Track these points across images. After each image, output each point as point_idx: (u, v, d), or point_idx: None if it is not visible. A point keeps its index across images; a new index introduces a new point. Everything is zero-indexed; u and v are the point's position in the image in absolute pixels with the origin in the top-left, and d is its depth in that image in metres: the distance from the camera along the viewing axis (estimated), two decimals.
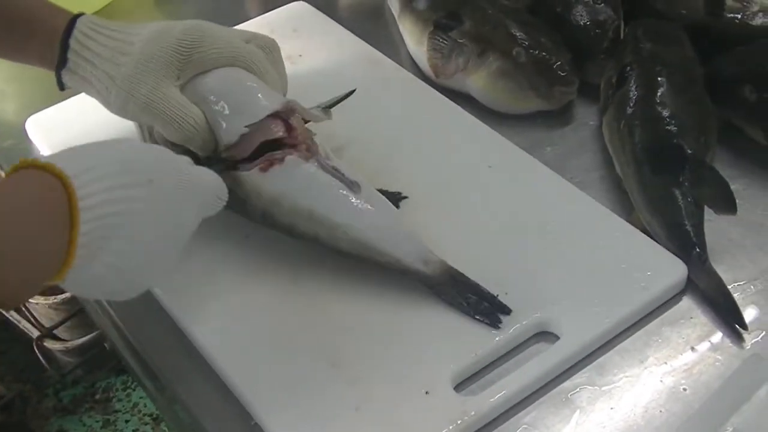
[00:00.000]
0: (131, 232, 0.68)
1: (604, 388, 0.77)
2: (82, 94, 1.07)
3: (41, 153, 1.04)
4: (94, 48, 0.86)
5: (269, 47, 0.93)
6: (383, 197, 0.86)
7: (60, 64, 0.87)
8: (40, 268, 0.64)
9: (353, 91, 0.92)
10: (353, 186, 0.84)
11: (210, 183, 0.78)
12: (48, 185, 0.64)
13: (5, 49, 0.91)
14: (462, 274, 0.82)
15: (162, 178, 0.71)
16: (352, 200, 0.83)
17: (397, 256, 0.82)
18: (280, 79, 0.93)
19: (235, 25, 1.15)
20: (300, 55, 1.09)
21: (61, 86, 0.89)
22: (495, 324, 0.80)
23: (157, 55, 0.86)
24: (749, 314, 0.81)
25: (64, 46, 0.86)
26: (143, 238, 0.70)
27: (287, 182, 0.84)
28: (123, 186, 0.67)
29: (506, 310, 0.80)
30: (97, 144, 0.71)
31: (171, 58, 0.86)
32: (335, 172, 0.84)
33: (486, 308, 0.81)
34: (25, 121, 1.07)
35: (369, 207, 0.84)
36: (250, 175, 0.85)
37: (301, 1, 1.21)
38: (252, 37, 0.92)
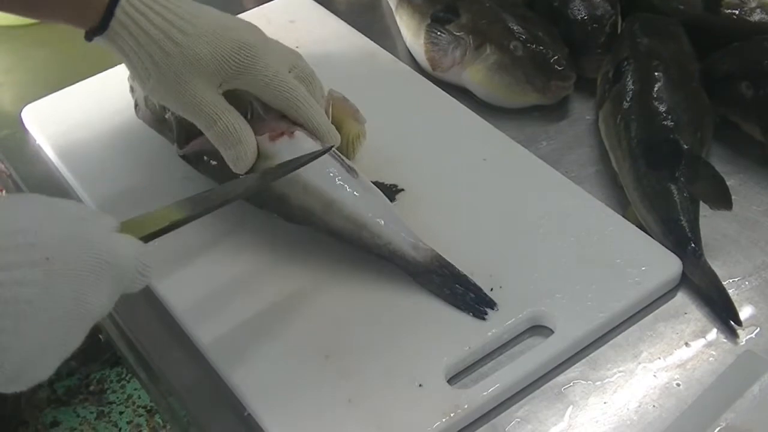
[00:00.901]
0: (15, 323, 0.58)
1: (597, 383, 0.77)
2: (79, 84, 1.08)
3: (37, 142, 1.04)
4: (142, 24, 0.80)
5: (309, 79, 0.89)
6: (378, 189, 0.86)
7: (98, 28, 0.81)
8: None
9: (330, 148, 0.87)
10: (351, 171, 0.85)
11: (129, 257, 0.65)
12: None
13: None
14: (450, 264, 0.82)
15: (63, 257, 0.60)
16: (350, 181, 0.84)
17: (388, 238, 0.82)
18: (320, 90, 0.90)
19: None
20: (296, 47, 1.07)
21: (89, 39, 0.83)
22: (480, 316, 0.80)
23: (208, 59, 0.82)
24: (743, 310, 0.81)
25: (109, 12, 0.80)
26: (32, 330, 0.59)
27: (291, 153, 0.84)
28: (8, 266, 0.57)
29: (492, 305, 0.80)
30: None
31: (220, 68, 0.82)
32: (335, 155, 0.85)
33: (471, 299, 0.81)
34: (21, 111, 1.07)
35: (365, 189, 0.84)
36: (260, 140, 0.85)
37: None
38: (294, 65, 0.88)
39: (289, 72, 0.87)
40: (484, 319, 0.80)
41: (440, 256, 0.83)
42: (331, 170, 0.84)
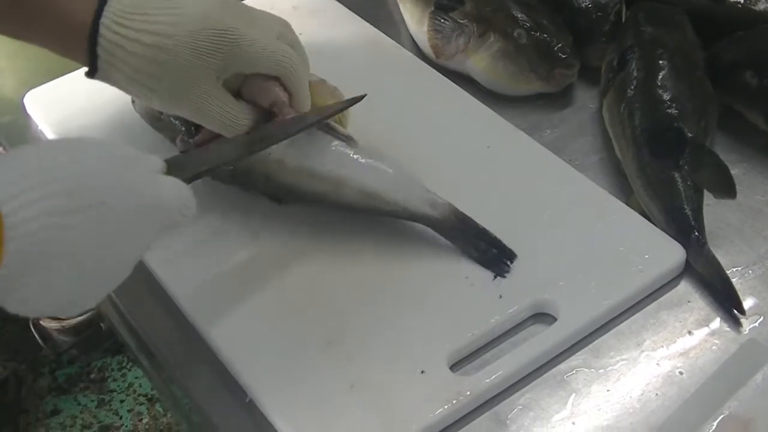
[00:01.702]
0: (66, 262, 0.62)
1: (600, 371, 0.77)
2: (81, 70, 1.07)
3: (39, 128, 1.04)
4: (123, 57, 0.79)
5: (296, 45, 0.88)
6: (380, 149, 0.86)
7: (90, 71, 0.81)
8: None
9: (363, 97, 0.90)
10: (350, 141, 0.85)
11: (173, 198, 0.71)
12: None
13: (18, 28, 0.83)
14: (468, 217, 0.84)
15: (112, 199, 0.65)
16: (353, 153, 0.85)
17: (403, 203, 0.83)
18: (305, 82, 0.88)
19: None
20: (300, 34, 1.07)
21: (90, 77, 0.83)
22: (502, 273, 0.81)
23: (195, 62, 0.80)
24: (747, 299, 0.81)
25: (92, 54, 0.79)
26: (81, 268, 0.64)
27: (291, 144, 0.84)
28: (61, 211, 0.61)
29: (513, 256, 0.82)
30: (43, 153, 0.64)
31: (208, 63, 0.80)
32: (329, 129, 0.86)
33: (494, 256, 0.82)
34: (23, 97, 1.07)
35: (369, 158, 0.85)
36: None
37: None
38: (281, 33, 0.87)
39: (278, 39, 0.85)
40: (505, 276, 0.81)
41: (458, 210, 0.84)
42: (331, 148, 0.85)
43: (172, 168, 0.72)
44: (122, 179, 0.66)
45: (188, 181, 0.73)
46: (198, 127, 0.87)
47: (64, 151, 0.65)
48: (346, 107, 0.88)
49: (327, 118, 0.86)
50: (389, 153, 0.87)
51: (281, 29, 0.87)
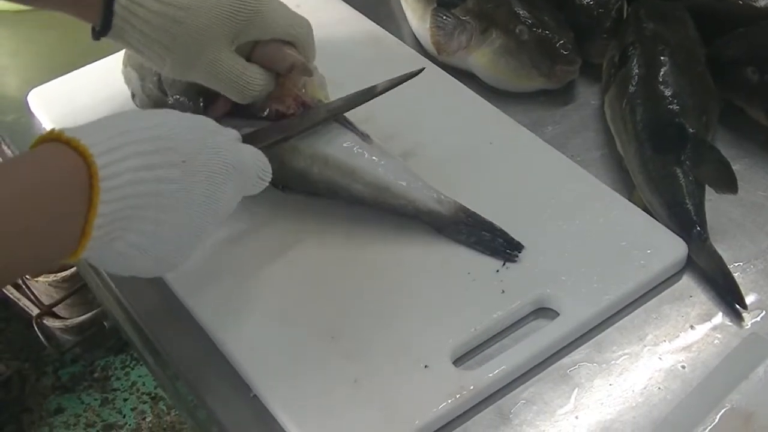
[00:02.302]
0: (158, 215, 0.67)
1: (602, 365, 0.77)
2: (85, 68, 1.08)
3: (43, 127, 1.04)
4: (142, 15, 0.81)
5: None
6: (392, 153, 0.88)
7: (103, 29, 0.82)
8: (55, 247, 0.63)
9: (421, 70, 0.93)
10: (365, 137, 0.87)
11: (252, 163, 0.76)
12: (71, 162, 0.62)
13: None
14: (475, 213, 0.85)
15: (197, 159, 0.69)
16: (367, 147, 0.86)
17: (412, 197, 0.84)
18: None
19: None
20: None
21: (96, 38, 0.85)
22: (511, 259, 0.82)
23: (215, 24, 0.82)
24: (749, 294, 0.81)
25: (108, 11, 0.81)
26: (171, 221, 0.68)
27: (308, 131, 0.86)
28: (152, 167, 0.65)
29: (520, 247, 0.83)
30: (132, 116, 0.69)
31: (227, 27, 0.83)
32: (347, 123, 0.88)
33: (500, 245, 0.83)
34: (27, 95, 1.07)
35: (381, 153, 0.87)
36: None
37: None
38: (297, 5, 0.91)
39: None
40: (515, 261, 0.82)
41: (464, 206, 0.85)
42: (347, 141, 0.87)
43: (246, 140, 0.78)
44: (207, 142, 0.71)
45: (263, 150, 0.79)
46: (206, 105, 0.88)
47: (153, 117, 0.70)
48: (405, 80, 0.92)
49: (392, 88, 0.91)
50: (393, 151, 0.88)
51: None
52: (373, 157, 0.86)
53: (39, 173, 0.62)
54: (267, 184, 0.78)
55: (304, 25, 0.88)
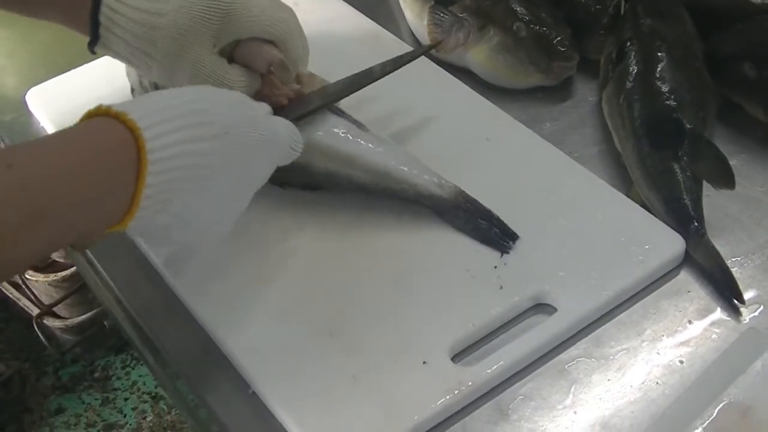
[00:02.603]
0: (200, 185, 0.68)
1: (601, 361, 0.77)
2: (83, 67, 1.08)
3: (42, 126, 1.04)
4: (123, 24, 0.83)
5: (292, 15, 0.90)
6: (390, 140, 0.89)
7: (92, 40, 0.84)
8: (103, 217, 0.65)
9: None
10: (361, 126, 0.88)
11: (285, 135, 0.78)
12: (119, 135, 0.64)
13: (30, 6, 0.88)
14: (474, 200, 0.85)
15: (236, 131, 0.71)
16: (363, 135, 0.87)
17: (413, 181, 0.85)
18: (304, 48, 0.91)
19: None
20: None
21: (93, 52, 0.87)
22: (505, 250, 0.83)
23: (191, 27, 0.83)
24: (746, 289, 0.82)
25: (95, 21, 0.83)
26: (212, 191, 0.70)
27: (304, 124, 0.86)
28: (195, 139, 0.67)
29: (515, 237, 0.83)
30: (173, 92, 0.70)
31: (204, 28, 0.83)
32: (342, 113, 0.89)
33: (495, 234, 0.84)
34: (25, 94, 1.07)
35: (379, 140, 0.87)
36: None
37: None
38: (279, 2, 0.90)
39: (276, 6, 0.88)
40: (508, 252, 0.82)
41: (464, 191, 0.85)
42: (344, 129, 0.87)
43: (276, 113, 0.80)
44: (244, 115, 0.74)
45: (294, 121, 0.81)
46: None
47: (194, 92, 0.72)
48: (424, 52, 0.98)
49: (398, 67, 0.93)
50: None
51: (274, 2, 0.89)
52: (371, 144, 0.87)
53: (89, 146, 0.64)
54: (298, 154, 0.80)
55: (286, 21, 0.87)
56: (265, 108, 0.78)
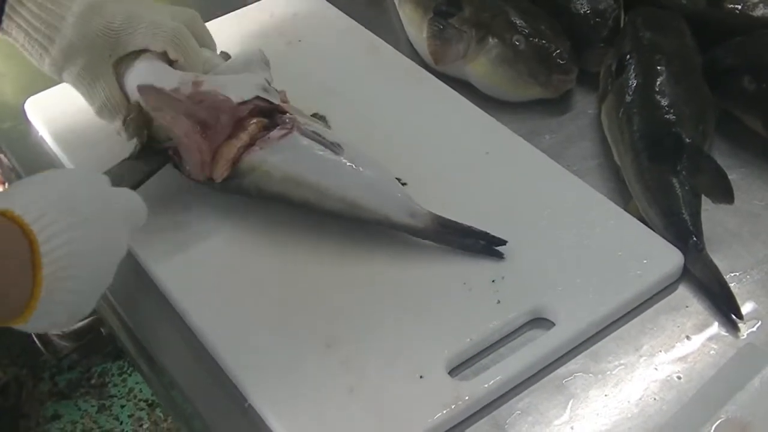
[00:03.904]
0: (79, 269, 0.69)
1: (598, 376, 0.77)
2: None
3: (40, 134, 1.04)
4: (27, 16, 0.88)
5: (191, 20, 0.95)
6: (368, 156, 0.87)
7: None
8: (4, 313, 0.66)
9: None
10: (336, 148, 0.86)
11: (133, 206, 0.80)
12: (11, 233, 0.66)
13: None
14: (451, 221, 0.84)
15: (95, 214, 0.73)
16: (336, 163, 0.85)
17: (384, 213, 0.84)
18: (198, 54, 0.95)
19: (234, 10, 1.15)
20: (299, 40, 1.08)
21: None
22: (499, 255, 0.83)
23: (88, 36, 0.88)
24: (745, 304, 0.81)
25: (1, 7, 0.88)
26: (88, 271, 0.71)
27: (275, 155, 0.85)
28: (70, 227, 0.69)
29: (503, 242, 0.83)
30: (39, 182, 0.72)
31: (100, 40, 0.89)
32: (316, 136, 0.86)
33: (483, 246, 0.83)
34: (23, 103, 1.07)
35: (352, 167, 0.85)
36: (245, 157, 0.86)
37: None
38: (177, 14, 0.94)
39: (173, 20, 0.92)
40: (503, 257, 0.82)
41: (438, 216, 0.84)
42: (316, 157, 0.85)
43: (115, 181, 0.81)
44: (95, 196, 0.75)
45: (133, 188, 0.84)
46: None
47: (53, 181, 0.74)
48: None
49: None
50: (388, 165, 0.88)
51: (176, 12, 0.94)
52: (343, 174, 0.85)
53: None
54: (144, 221, 0.81)
55: (180, 39, 0.91)
56: (107, 180, 0.79)
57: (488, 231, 0.84)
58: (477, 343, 0.78)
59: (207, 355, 0.81)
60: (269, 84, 0.91)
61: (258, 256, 0.87)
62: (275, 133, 0.86)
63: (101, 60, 0.90)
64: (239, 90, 0.88)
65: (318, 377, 0.76)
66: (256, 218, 0.89)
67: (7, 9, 0.88)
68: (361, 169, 0.85)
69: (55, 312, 0.69)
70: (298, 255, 0.86)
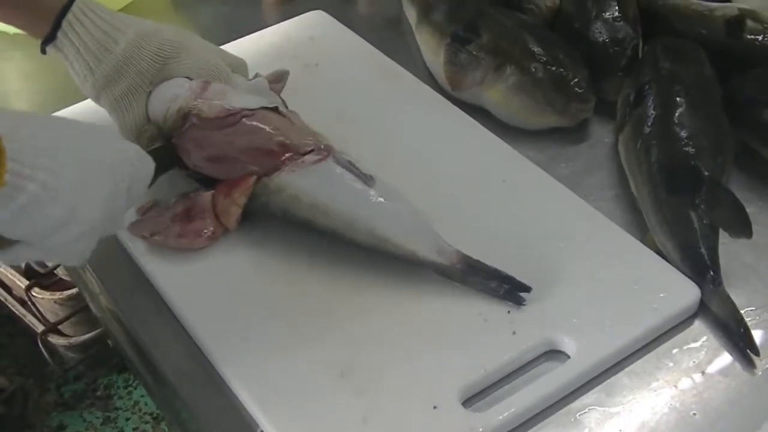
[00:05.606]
0: (55, 163, 0.67)
1: (612, 410, 0.77)
2: None
3: None
4: (82, 35, 0.90)
5: (238, 66, 0.97)
6: (397, 190, 0.87)
7: (48, 38, 0.90)
8: None
9: None
10: (368, 180, 0.86)
11: (133, 153, 0.78)
12: None
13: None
14: (478, 261, 0.83)
15: (91, 138, 0.74)
16: (367, 194, 0.85)
17: (411, 249, 0.83)
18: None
19: (252, 33, 1.15)
20: (316, 64, 1.08)
21: (43, 51, 0.93)
22: (519, 302, 0.82)
23: (136, 60, 0.91)
24: (761, 339, 0.81)
25: (57, 23, 0.89)
26: (70, 177, 0.68)
27: (306, 179, 0.86)
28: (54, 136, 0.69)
29: (527, 289, 0.82)
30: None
31: (147, 66, 0.91)
32: (350, 166, 0.87)
33: (506, 291, 0.82)
34: None
35: (383, 200, 0.85)
36: (275, 177, 0.87)
37: (319, 11, 1.20)
38: (227, 57, 0.97)
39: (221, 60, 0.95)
40: (523, 304, 0.82)
41: (466, 256, 0.83)
42: (347, 189, 0.85)
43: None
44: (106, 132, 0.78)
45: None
46: None
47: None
48: None
49: None
50: (404, 192, 0.88)
51: (225, 55, 0.97)
52: (374, 206, 0.85)
53: None
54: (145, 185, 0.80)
55: (215, 65, 0.93)
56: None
57: (503, 261, 0.84)
58: (491, 374, 0.78)
59: (217, 375, 0.80)
60: (284, 104, 0.91)
61: (272, 281, 0.86)
62: (309, 157, 0.87)
63: (141, 85, 0.91)
64: (244, 101, 0.90)
65: (332, 406, 0.76)
66: (272, 241, 0.89)
67: (64, 25, 0.89)
68: (391, 203, 0.85)
69: (40, 198, 0.66)
70: (314, 282, 0.86)
